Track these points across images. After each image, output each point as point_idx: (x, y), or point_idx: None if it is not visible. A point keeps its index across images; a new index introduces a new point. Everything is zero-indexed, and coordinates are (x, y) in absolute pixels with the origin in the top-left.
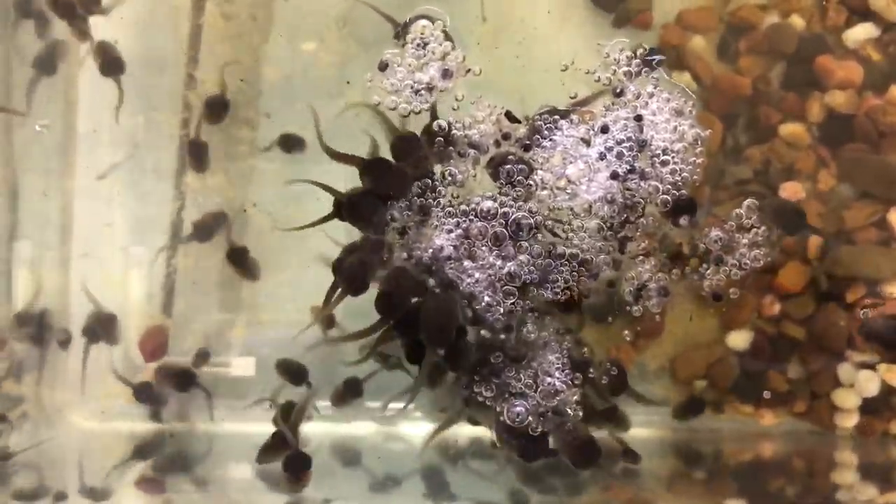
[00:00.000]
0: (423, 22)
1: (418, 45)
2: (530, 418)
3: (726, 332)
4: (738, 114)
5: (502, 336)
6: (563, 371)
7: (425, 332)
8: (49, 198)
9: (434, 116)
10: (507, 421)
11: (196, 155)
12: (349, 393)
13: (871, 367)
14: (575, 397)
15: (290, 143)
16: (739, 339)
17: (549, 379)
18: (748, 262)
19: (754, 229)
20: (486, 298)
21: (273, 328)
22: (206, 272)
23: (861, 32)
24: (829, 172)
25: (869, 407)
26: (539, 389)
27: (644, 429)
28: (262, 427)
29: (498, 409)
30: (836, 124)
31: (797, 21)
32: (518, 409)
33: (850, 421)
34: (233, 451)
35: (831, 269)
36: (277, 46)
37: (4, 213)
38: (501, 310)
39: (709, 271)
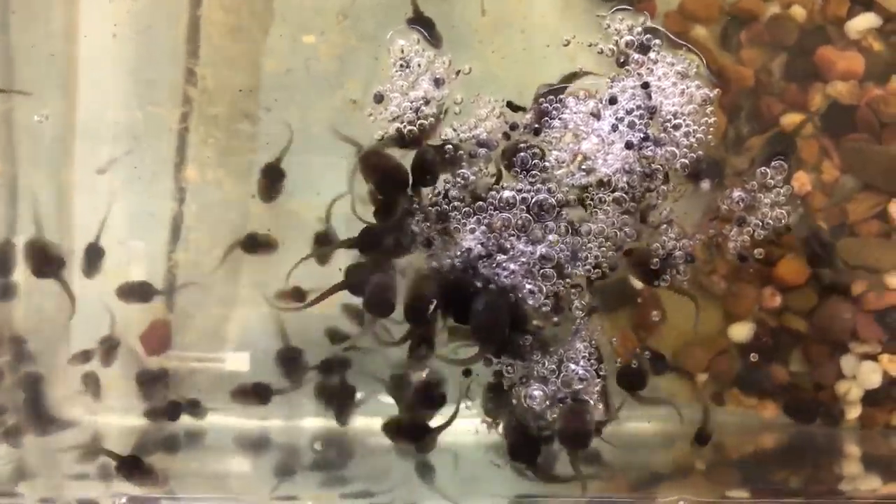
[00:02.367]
0: (400, 42)
1: (401, 66)
2: (547, 403)
3: (728, 325)
4: (740, 104)
5: (556, 319)
6: (588, 360)
7: (476, 335)
8: (48, 192)
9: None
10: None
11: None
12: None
13: (874, 358)
14: (597, 388)
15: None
16: (741, 332)
17: (572, 366)
18: (770, 221)
19: (776, 188)
20: (528, 286)
21: (273, 323)
22: (206, 266)
23: (863, 22)
24: (832, 163)
25: (871, 398)
26: (562, 375)
27: (644, 422)
28: (257, 422)
29: (515, 392)
30: (839, 115)
31: (798, 11)
32: (535, 392)
33: (852, 412)
34: (229, 444)
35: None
36: (277, 39)
37: (3, 207)
38: (543, 296)
39: (732, 232)
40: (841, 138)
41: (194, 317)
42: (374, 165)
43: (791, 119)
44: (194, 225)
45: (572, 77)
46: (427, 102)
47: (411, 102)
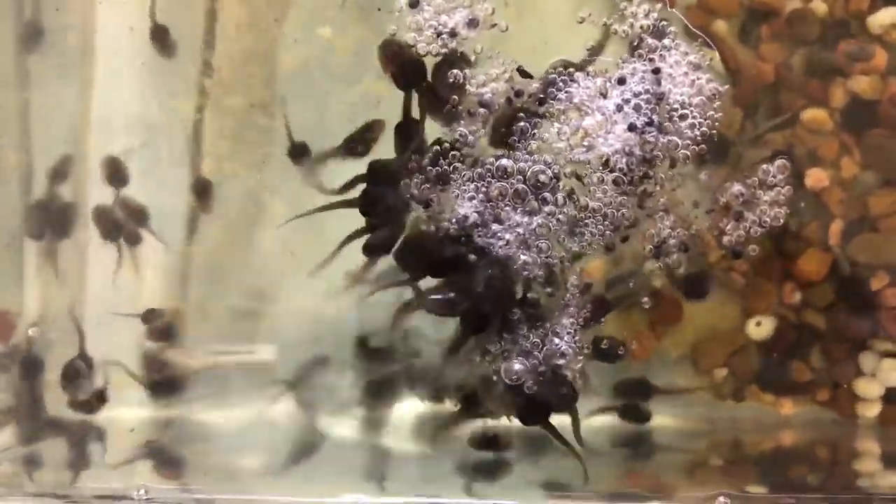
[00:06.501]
0: None
1: None
2: (528, 376)
3: (747, 321)
4: (759, 99)
5: (549, 290)
6: (573, 336)
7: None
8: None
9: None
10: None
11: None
12: None
13: (895, 355)
14: (579, 365)
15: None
16: (761, 328)
17: (556, 340)
18: (768, 219)
19: (777, 188)
20: (523, 257)
21: (293, 314)
22: (222, 258)
23: (885, 17)
24: (852, 159)
25: (892, 396)
26: (544, 349)
27: (662, 417)
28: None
29: (496, 366)
30: (860, 110)
31: (819, 6)
32: (516, 366)
33: (872, 410)
34: (248, 438)
35: (854, 256)
36: (293, 31)
37: (19, 200)
38: (538, 268)
39: (728, 227)
40: (862, 134)
41: (211, 308)
42: (394, 54)
43: (812, 114)
44: (210, 217)
45: (593, 53)
46: (452, 35)
47: (437, 24)
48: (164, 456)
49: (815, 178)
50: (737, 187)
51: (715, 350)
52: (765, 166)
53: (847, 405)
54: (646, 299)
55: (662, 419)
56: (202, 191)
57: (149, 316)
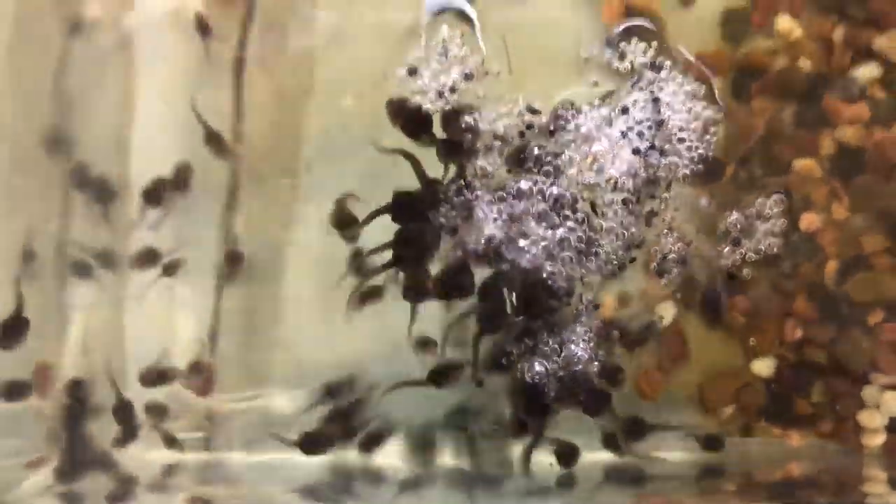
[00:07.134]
0: (445, 28)
1: (440, 52)
2: (548, 379)
3: (751, 359)
4: (753, 149)
5: (566, 300)
6: (588, 343)
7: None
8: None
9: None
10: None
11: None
12: None
13: None
14: (595, 369)
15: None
16: (764, 367)
17: (572, 347)
18: (762, 248)
19: (772, 220)
20: (548, 267)
21: (316, 366)
22: (250, 311)
23: (865, 72)
24: (841, 205)
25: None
26: (562, 356)
27: (672, 451)
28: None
29: (519, 367)
30: (847, 158)
31: (805, 63)
32: (538, 367)
33: (876, 440)
34: (274, 480)
35: (850, 294)
36: (317, 101)
37: (59, 254)
38: (563, 278)
39: (725, 250)
40: (851, 180)
41: (240, 358)
42: (397, 109)
43: (802, 164)
44: (240, 272)
45: (604, 98)
46: (453, 91)
47: (439, 85)
48: (194, 494)
49: (808, 221)
50: (735, 215)
51: (721, 388)
52: (761, 199)
53: (852, 436)
54: (661, 315)
55: (670, 454)
56: (233, 255)
57: (195, 367)
